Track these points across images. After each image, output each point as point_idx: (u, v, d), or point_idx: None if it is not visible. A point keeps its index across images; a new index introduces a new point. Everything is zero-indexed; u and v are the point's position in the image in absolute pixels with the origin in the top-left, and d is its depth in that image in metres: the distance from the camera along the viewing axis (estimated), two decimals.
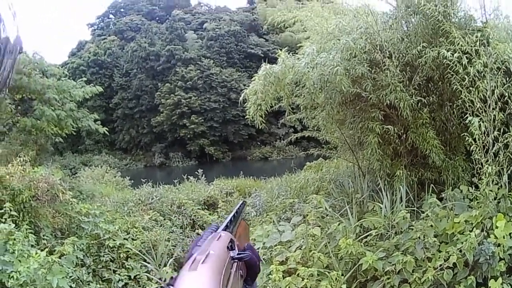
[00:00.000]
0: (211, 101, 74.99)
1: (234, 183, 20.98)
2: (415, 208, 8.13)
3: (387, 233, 7.57)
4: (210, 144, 74.70)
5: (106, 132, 22.53)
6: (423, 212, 7.53)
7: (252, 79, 9.78)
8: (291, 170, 18.41)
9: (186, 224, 12.65)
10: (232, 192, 18.19)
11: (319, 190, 11.96)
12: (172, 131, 75.85)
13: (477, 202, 7.08)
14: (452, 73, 7.74)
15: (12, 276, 6.71)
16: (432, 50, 7.96)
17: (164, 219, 12.65)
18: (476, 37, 7.82)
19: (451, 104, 8.53)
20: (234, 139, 75.71)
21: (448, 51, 7.64)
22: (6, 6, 10.43)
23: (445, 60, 7.69)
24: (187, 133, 73.92)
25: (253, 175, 24.53)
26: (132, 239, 10.41)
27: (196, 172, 20.45)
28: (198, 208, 13.81)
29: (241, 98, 9.89)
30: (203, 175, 20.16)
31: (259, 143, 76.23)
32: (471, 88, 7.56)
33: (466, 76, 7.54)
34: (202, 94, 75.37)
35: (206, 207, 15.06)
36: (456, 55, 7.58)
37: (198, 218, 12.99)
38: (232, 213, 1.54)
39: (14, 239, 7.45)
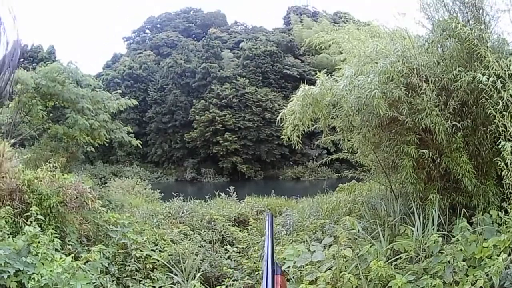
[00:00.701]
0: (245, 119, 75.33)
1: (265, 201, 20.96)
2: (445, 232, 8.08)
3: (417, 257, 7.53)
4: (243, 162, 74.92)
5: (139, 145, 22.80)
6: (453, 236, 7.50)
7: (290, 99, 9.86)
8: (323, 191, 18.31)
9: (216, 240, 12.67)
10: (263, 210, 18.14)
11: (351, 212, 11.89)
12: (205, 147, 76.37)
13: (506, 227, 7.03)
14: (486, 97, 7.73)
15: (33, 278, 6.82)
16: (467, 74, 7.95)
17: (194, 234, 12.71)
18: (510, 61, 7.79)
19: (484, 128, 8.46)
20: (267, 158, 75.76)
21: (483, 75, 7.63)
22: (6, 9, 10.70)
23: (480, 85, 7.68)
24: (220, 150, 74.32)
25: (285, 195, 24.45)
26: (160, 251, 10.45)
27: (227, 189, 20.55)
28: (229, 225, 13.83)
29: (278, 118, 9.97)
30: (235, 192, 20.21)
31: (291, 163, 76.06)
32: (504, 113, 7.53)
33: (499, 101, 7.52)
34: (236, 113, 75.83)
35: (237, 224, 15.08)
36: (490, 79, 7.56)
37: (228, 234, 13.01)
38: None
39: (39, 242, 7.60)
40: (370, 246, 7.78)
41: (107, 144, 23.19)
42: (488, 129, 8.07)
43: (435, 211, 8.23)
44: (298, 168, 74.74)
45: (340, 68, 11.19)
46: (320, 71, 9.71)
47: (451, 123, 8.42)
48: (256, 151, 75.52)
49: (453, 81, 8.27)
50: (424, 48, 9.40)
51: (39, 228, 8.08)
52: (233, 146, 74.02)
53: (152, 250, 10.19)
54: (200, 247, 11.46)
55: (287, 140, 9.82)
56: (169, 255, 10.26)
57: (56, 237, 8.19)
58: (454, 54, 8.84)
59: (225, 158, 75.03)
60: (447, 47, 9.28)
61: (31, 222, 8.27)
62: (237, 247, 11.58)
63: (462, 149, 8.60)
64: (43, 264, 7.20)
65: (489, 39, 8.82)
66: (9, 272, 6.93)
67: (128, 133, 22.35)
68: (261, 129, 75.05)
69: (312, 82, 9.92)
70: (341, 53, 12.52)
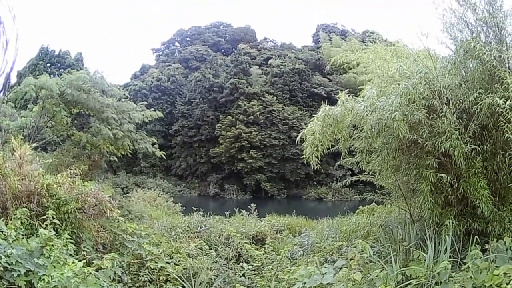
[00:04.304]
0: (271, 137, 75.34)
1: (286, 220, 20.94)
2: (458, 259, 7.91)
3: (427, 283, 7.37)
4: (267, 180, 74.84)
5: (164, 157, 23.03)
6: (465, 263, 7.33)
7: (312, 119, 9.78)
8: (344, 213, 18.18)
9: (231, 256, 12.63)
10: (283, 229, 18.11)
11: (369, 235, 11.76)
12: (230, 163, 76.64)
13: None
14: (504, 121, 7.58)
15: (43, 279, 6.96)
16: (487, 97, 7.80)
17: (210, 249, 12.71)
18: None
19: (503, 153, 8.29)
20: (291, 177, 75.51)
21: (501, 98, 7.49)
22: (7, 9, 10.89)
23: (498, 108, 7.54)
24: (244, 166, 74.44)
25: (306, 215, 24.35)
26: (175, 264, 10.50)
27: (249, 206, 20.50)
28: (245, 242, 13.77)
29: (298, 138, 9.90)
30: (256, 210, 20.16)
31: (315, 183, 75.61)
32: None
33: None
34: (263, 130, 75.94)
35: (254, 242, 15.00)
36: (508, 102, 7.40)
37: (244, 251, 12.96)
38: None
39: (52, 245, 7.77)
40: (381, 271, 7.67)
41: (131, 155, 23.47)
42: (507, 153, 7.93)
43: (449, 237, 8.06)
44: (321, 188, 74.29)
45: (364, 89, 11.12)
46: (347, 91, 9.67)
47: (470, 147, 8.25)
48: (281, 169, 75.35)
49: (473, 103, 8.15)
50: (447, 69, 9.24)
51: (54, 232, 8.25)
52: (258, 163, 74.03)
53: (167, 262, 10.28)
54: (215, 262, 11.44)
55: (307, 160, 9.75)
56: (184, 269, 10.29)
57: (71, 242, 8.43)
58: (476, 75, 8.68)
59: (249, 175, 75.08)
60: (469, 69, 9.14)
61: (46, 225, 8.47)
62: (252, 265, 11.53)
63: (481, 173, 8.39)
64: (54, 267, 7.37)
65: (509, 60, 8.65)
66: (19, 271, 7.10)
67: (153, 144, 22.62)
68: (287, 147, 74.76)
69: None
70: (367, 73, 12.44)
